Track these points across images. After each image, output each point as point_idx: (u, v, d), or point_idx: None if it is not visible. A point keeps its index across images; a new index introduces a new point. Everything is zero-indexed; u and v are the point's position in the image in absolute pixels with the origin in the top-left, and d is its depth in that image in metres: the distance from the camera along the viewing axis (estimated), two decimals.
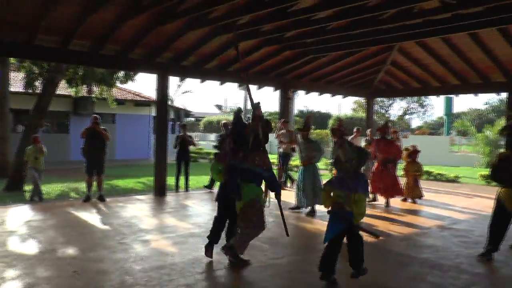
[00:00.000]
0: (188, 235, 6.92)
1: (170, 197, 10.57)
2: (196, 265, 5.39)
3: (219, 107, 72.64)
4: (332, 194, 4.84)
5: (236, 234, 5.34)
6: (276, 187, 5.54)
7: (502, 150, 7.00)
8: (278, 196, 5.55)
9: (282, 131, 11.88)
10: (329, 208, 4.86)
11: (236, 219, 5.37)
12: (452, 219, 8.79)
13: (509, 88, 12.45)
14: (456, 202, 10.92)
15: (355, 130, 13.04)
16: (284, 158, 12.05)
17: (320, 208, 8.99)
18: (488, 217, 6.26)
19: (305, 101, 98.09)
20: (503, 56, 11.40)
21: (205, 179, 11.89)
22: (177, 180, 11.78)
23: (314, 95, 15.06)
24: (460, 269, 5.60)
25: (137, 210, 8.88)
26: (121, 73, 15.53)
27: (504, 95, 13.07)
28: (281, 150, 12.03)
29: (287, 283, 5.04)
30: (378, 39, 10.09)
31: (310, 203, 8.77)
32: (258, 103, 5.47)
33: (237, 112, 5.75)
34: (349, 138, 12.55)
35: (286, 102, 13.16)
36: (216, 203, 5.83)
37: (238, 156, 5.31)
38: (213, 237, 5.70)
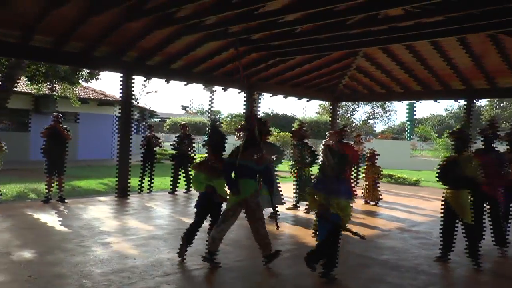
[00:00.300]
0: (150, 237, 6.81)
1: (132, 199, 10.39)
2: (157, 267, 5.31)
3: (184, 108, 72.15)
4: (316, 197, 5.14)
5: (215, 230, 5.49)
6: (272, 182, 5.82)
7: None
8: (271, 191, 5.93)
9: (243, 133, 11.87)
10: (316, 211, 5.19)
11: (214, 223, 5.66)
12: (412, 222, 8.99)
13: (468, 96, 12.87)
14: (416, 205, 11.18)
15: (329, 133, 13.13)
16: None
17: (284, 210, 9.08)
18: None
19: (271, 104, 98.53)
20: (462, 65, 11.78)
21: (169, 180, 11.73)
22: (141, 181, 11.61)
23: (279, 97, 15.17)
24: (418, 270, 5.73)
25: (99, 212, 8.68)
26: (85, 71, 15.19)
27: (463, 102, 13.44)
28: None
29: (249, 285, 5.03)
30: (344, 44, 10.23)
31: (268, 205, 8.78)
32: (252, 105, 5.79)
33: (213, 122, 6.00)
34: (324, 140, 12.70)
35: (251, 104, 13.17)
36: (195, 209, 5.90)
37: (230, 154, 5.51)
38: (188, 238, 5.79)
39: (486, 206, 6.85)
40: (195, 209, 5.89)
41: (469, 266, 5.99)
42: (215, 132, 5.80)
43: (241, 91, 13.21)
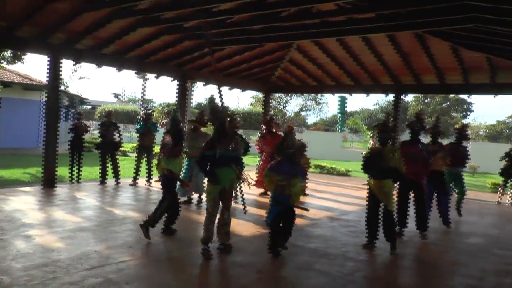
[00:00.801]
0: (77, 229, 6.52)
1: (60, 189, 9.90)
2: (84, 261, 5.09)
3: (116, 95, 69.89)
4: (272, 178, 5.75)
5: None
6: (242, 167, 6.09)
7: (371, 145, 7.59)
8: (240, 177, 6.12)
9: (166, 120, 11.71)
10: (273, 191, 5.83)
11: (174, 204, 6.37)
12: (341, 211, 9.28)
13: (396, 91, 13.44)
14: (345, 195, 11.55)
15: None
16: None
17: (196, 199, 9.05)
18: None
19: (204, 93, 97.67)
20: (391, 61, 12.23)
21: (98, 169, 11.32)
22: (71, 171, 11.11)
23: (213, 87, 15.05)
24: (346, 257, 5.93)
25: (22, 203, 8.18)
26: (7, 53, 14.24)
27: (391, 96, 14.02)
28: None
29: (180, 276, 4.96)
30: (278, 36, 10.29)
31: (196, 191, 8.82)
32: (213, 96, 6.23)
33: (175, 113, 6.52)
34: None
35: (184, 93, 12.96)
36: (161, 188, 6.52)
37: (203, 147, 5.80)
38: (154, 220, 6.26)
39: (411, 195, 7.24)
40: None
41: (394, 252, 6.27)
42: (175, 122, 6.38)
43: (174, 79, 12.95)
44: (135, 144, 14.23)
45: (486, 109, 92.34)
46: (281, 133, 11.24)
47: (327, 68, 13.82)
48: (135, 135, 16.32)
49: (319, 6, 9.27)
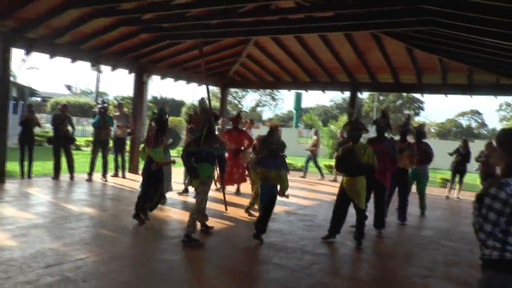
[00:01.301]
0: (30, 226, 6.31)
1: (10, 185, 9.53)
2: (39, 259, 4.94)
3: (68, 87, 67.66)
4: (258, 171, 6.38)
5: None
6: (224, 165, 6.69)
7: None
8: (222, 174, 6.81)
9: (117, 113, 11.51)
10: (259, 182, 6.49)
11: (155, 191, 6.91)
12: (298, 205, 9.44)
13: (352, 88, 13.76)
14: (301, 190, 11.74)
15: (248, 121, 13.22)
16: (119, 142, 11.57)
17: (172, 195, 8.99)
18: (329, 203, 6.87)
19: (159, 87, 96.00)
20: (348, 59, 12.54)
21: (51, 164, 10.97)
22: (22, 165, 10.68)
23: (169, 81, 14.88)
24: (304, 251, 6.06)
25: None
26: None
27: (347, 93, 14.33)
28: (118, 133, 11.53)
29: (139, 272, 4.91)
30: (236, 31, 10.30)
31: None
32: (203, 98, 6.78)
33: (161, 107, 7.04)
34: (244, 128, 12.76)
35: (140, 86, 12.76)
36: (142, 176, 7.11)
37: (189, 143, 6.43)
38: (142, 205, 6.79)
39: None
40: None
41: (351, 245, 6.49)
42: (161, 116, 6.99)
43: (130, 72, 12.73)
44: (89, 138, 13.91)
45: (436, 107, 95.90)
46: (245, 129, 11.34)
47: (284, 64, 13.98)
48: (88, 128, 15.94)
49: (278, 3, 9.35)
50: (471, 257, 6.24)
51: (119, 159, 11.63)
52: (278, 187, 6.42)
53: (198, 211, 6.15)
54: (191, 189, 9.48)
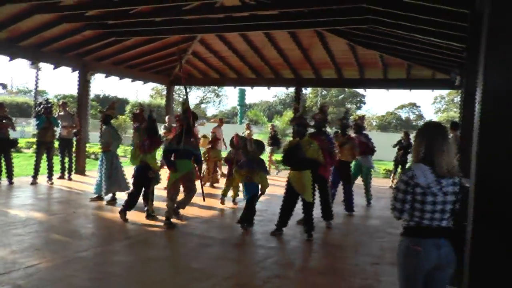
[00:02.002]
0: None
1: None
2: None
3: (3, 86, 64.20)
4: (243, 173, 7.09)
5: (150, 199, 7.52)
6: (200, 162, 7.73)
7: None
8: (200, 170, 8.01)
9: (61, 113, 11.21)
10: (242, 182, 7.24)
11: (148, 190, 7.45)
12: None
13: (297, 84, 14.10)
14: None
15: (217, 120, 13.13)
16: (65, 143, 11.21)
17: (121, 196, 8.88)
18: (278, 197, 7.07)
19: (102, 85, 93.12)
20: (292, 56, 12.84)
21: None
22: None
23: (113, 79, 14.66)
24: (257, 245, 6.24)
25: None
26: None
27: (291, 89, 14.68)
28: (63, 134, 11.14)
29: (95, 276, 4.87)
30: (181, 28, 10.29)
31: (110, 191, 8.55)
32: (185, 99, 7.82)
33: (150, 113, 7.51)
34: (213, 128, 12.90)
35: (85, 84, 12.45)
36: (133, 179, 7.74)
37: (171, 141, 7.39)
38: (130, 207, 7.34)
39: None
40: (132, 180, 7.77)
41: (301, 238, 6.73)
42: (150, 120, 7.39)
43: (74, 70, 12.38)
44: (30, 140, 13.37)
45: (377, 101, 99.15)
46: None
47: (229, 61, 14.09)
48: (28, 130, 15.32)
49: (223, 1, 9.47)
50: None
51: (66, 160, 11.30)
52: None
53: (169, 198, 7.13)
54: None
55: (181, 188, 7.38)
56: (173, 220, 7.16)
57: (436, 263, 2.85)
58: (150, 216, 7.49)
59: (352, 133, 9.29)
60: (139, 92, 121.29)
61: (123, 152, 15.63)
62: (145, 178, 7.31)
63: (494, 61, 2.33)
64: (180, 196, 7.38)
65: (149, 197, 7.53)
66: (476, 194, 2.51)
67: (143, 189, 7.41)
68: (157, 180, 7.94)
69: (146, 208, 7.59)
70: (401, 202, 2.87)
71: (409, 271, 2.96)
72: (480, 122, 2.41)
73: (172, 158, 7.15)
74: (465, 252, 2.73)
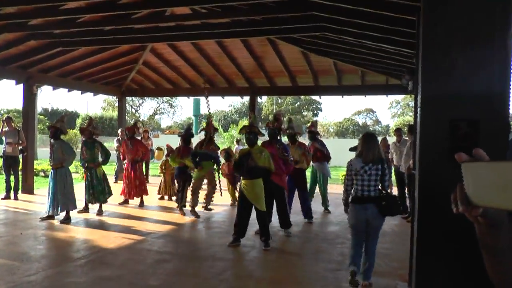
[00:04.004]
0: None
1: None
2: None
3: None
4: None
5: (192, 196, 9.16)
6: (219, 163, 9.70)
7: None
8: (218, 171, 9.73)
9: (6, 129, 10.92)
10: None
11: (189, 186, 9.54)
12: (206, 213, 9.60)
13: (251, 93, 14.25)
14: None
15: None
16: (10, 161, 10.87)
17: (75, 215, 8.71)
18: (235, 207, 7.11)
19: (50, 98, 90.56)
20: (246, 65, 12.99)
21: None
22: None
23: (62, 91, 14.31)
24: (215, 258, 6.25)
25: None
26: None
27: (246, 98, 14.83)
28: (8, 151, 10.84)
29: None
30: (131, 38, 10.18)
31: (65, 208, 8.38)
32: (209, 113, 10.36)
33: (189, 127, 10.67)
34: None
35: (31, 98, 12.11)
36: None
37: (196, 147, 9.39)
38: (182, 200, 9.44)
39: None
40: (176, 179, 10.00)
41: (260, 248, 6.80)
42: (187, 131, 10.03)
43: (18, 83, 12.01)
44: None
45: (333, 107, 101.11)
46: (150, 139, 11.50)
47: (182, 71, 14.09)
48: None
49: (173, 9, 9.49)
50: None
51: (11, 179, 10.94)
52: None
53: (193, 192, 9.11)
54: (92, 206, 9.27)
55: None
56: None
57: (366, 218, 4.86)
58: (181, 209, 9.41)
59: (304, 141, 9.51)
60: (90, 104, 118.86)
61: (75, 168, 15.24)
62: (186, 175, 9.50)
63: (429, 68, 2.52)
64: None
65: (184, 193, 9.52)
66: (419, 186, 2.74)
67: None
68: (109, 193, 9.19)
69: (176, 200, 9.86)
70: (347, 180, 5.02)
71: (351, 221, 5.02)
72: (420, 124, 2.60)
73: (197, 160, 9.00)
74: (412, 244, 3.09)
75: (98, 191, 9.05)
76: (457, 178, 0.96)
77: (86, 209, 9.27)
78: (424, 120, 2.56)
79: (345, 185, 5.02)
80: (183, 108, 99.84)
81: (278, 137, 7.94)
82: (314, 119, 52.99)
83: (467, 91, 2.45)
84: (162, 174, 11.33)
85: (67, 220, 8.37)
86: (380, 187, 4.96)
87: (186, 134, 9.81)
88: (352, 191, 4.93)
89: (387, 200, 4.88)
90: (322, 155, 9.58)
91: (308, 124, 11.02)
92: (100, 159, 9.17)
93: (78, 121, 34.46)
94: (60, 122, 8.61)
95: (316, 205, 9.50)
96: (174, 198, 11.12)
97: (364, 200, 4.84)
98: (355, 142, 14.65)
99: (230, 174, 10.58)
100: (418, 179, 2.72)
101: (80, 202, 9.03)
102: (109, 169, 16.28)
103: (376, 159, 4.81)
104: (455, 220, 1.54)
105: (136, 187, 10.14)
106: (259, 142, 7.41)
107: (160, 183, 11.25)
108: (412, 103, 48.67)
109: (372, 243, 5.01)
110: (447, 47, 2.47)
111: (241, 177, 7.02)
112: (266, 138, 8.04)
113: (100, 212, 9.13)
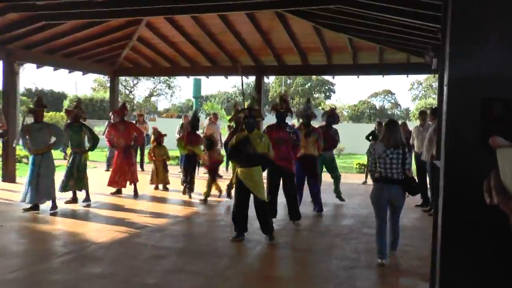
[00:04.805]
0: None
1: None
2: None
3: None
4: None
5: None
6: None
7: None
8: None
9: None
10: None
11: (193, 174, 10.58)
12: (207, 205, 9.62)
13: (257, 72, 14.19)
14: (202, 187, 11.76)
15: (211, 116, 13.05)
16: None
17: (61, 205, 8.74)
18: None
19: (34, 78, 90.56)
20: (251, 41, 12.89)
21: None
22: None
23: (47, 70, 14.27)
24: (217, 254, 6.27)
25: None
26: None
27: (251, 78, 14.78)
28: None
29: None
30: (124, 10, 10.06)
31: (51, 195, 8.42)
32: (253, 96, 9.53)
33: (195, 113, 11.35)
34: (205, 125, 13.73)
35: (12, 77, 12.09)
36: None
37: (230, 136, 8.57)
38: (190, 186, 10.29)
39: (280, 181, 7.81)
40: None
41: (266, 243, 6.79)
42: (194, 116, 10.81)
43: None
44: None
45: (347, 89, 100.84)
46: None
47: (181, 48, 14.01)
48: None
49: None
50: None
51: None
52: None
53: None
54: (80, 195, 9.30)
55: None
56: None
57: (389, 197, 5.81)
58: (190, 195, 10.21)
59: (317, 124, 9.49)
60: (78, 84, 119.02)
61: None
62: (195, 163, 10.39)
63: (459, 43, 2.47)
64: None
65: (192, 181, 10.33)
66: (445, 174, 2.70)
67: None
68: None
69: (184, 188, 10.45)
70: (370, 163, 6.17)
71: (373, 197, 5.96)
72: (447, 105, 2.55)
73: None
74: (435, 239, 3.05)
75: (77, 178, 9.01)
76: (490, 165, 0.93)
77: (74, 200, 9.27)
78: (451, 100, 2.51)
79: (368, 168, 6.58)
80: (182, 89, 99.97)
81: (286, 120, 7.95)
82: (328, 101, 52.93)
83: (501, 68, 2.40)
84: (152, 162, 11.30)
85: (55, 210, 8.43)
86: (402, 170, 5.84)
87: (194, 119, 10.31)
88: (377, 173, 5.89)
89: (408, 182, 5.92)
90: (332, 143, 9.62)
91: (326, 109, 11.00)
92: (87, 144, 9.17)
93: (66, 103, 34.47)
94: (37, 106, 8.55)
95: (327, 196, 9.48)
96: (168, 186, 11.15)
97: (387, 180, 5.78)
98: (371, 127, 14.66)
99: (212, 165, 10.29)
100: (443, 166, 2.67)
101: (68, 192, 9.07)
102: (100, 156, 16.37)
103: (398, 144, 5.76)
104: (486, 212, 1.50)
105: (127, 173, 10.15)
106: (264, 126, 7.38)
107: (152, 172, 11.25)
108: (435, 84, 48.40)
109: (396, 219, 6.10)
110: (480, 18, 2.41)
111: (238, 165, 6.97)
112: (268, 121, 8.02)
113: (86, 201, 9.21)
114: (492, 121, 2.35)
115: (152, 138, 11.47)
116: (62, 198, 8.95)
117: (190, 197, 10.12)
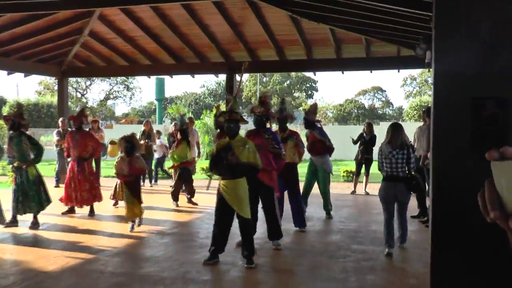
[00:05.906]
0: None
1: None
2: None
3: None
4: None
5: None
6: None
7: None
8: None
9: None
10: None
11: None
12: (173, 222, 9.63)
13: (228, 69, 14.16)
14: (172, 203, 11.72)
15: (187, 120, 13.03)
16: None
17: (0, 230, 8.64)
18: (212, 214, 7.08)
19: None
20: (221, 34, 12.90)
21: None
22: None
23: (3, 73, 14.10)
24: (186, 279, 6.26)
25: None
26: None
27: (222, 77, 14.78)
28: None
29: None
30: (73, 1, 10.02)
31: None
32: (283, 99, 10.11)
33: (182, 118, 12.10)
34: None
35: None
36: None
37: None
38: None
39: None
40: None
41: (243, 265, 6.79)
42: (182, 123, 11.62)
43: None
44: None
45: (332, 87, 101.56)
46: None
47: (140, 43, 13.97)
48: None
49: None
50: (386, 259, 6.98)
51: None
52: None
53: None
54: (22, 218, 9.17)
55: None
56: None
57: (395, 193, 7.15)
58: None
59: (295, 128, 9.51)
60: (20, 87, 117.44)
61: (1, 169, 15.10)
62: (189, 172, 11.61)
63: (445, 35, 2.53)
64: None
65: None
66: (434, 180, 2.77)
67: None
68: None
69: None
70: (379, 163, 7.34)
71: (382, 195, 7.29)
72: (434, 105, 2.60)
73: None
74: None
75: (30, 197, 8.95)
76: (483, 172, 0.96)
77: (13, 222, 9.11)
78: (439, 99, 2.56)
79: (379, 164, 7.40)
80: (142, 91, 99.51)
81: (267, 125, 7.93)
82: (310, 101, 53.23)
83: (493, 63, 2.45)
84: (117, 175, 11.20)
85: (35, 225, 8.86)
86: (406, 169, 7.16)
87: (182, 126, 11.26)
88: (383, 172, 7.27)
89: (409, 180, 7.19)
90: (322, 147, 9.55)
91: (305, 108, 11.05)
92: (30, 156, 9.07)
93: (5, 109, 34.00)
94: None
95: (314, 209, 9.55)
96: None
97: (393, 178, 7.13)
98: (359, 129, 14.77)
99: (130, 176, 9.11)
100: (432, 173, 2.73)
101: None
102: (48, 170, 16.19)
103: (402, 145, 7.15)
104: (480, 226, 1.55)
105: (85, 191, 10.03)
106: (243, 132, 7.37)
107: (116, 186, 11.13)
108: (431, 79, 49.21)
109: (403, 214, 7.41)
110: (469, 5, 2.47)
111: (220, 177, 6.96)
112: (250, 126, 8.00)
113: (35, 225, 9.02)
114: (484, 122, 2.39)
115: (110, 148, 11.40)
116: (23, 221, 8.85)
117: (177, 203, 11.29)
